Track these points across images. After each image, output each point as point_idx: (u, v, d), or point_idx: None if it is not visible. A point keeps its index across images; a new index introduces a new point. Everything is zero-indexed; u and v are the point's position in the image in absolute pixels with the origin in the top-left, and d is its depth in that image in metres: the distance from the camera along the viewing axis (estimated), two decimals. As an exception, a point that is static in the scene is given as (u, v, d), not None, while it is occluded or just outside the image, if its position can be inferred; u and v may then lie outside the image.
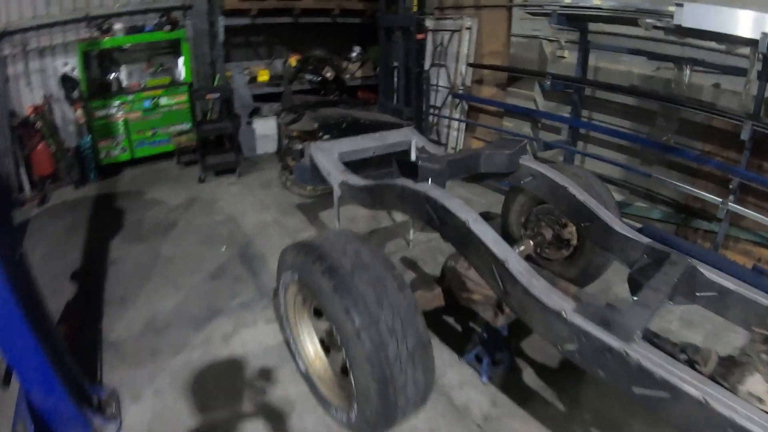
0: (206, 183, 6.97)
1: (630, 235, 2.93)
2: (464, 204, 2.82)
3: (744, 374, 2.02)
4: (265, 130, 7.96)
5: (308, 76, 7.80)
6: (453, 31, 7.54)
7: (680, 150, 5.50)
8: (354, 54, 8.63)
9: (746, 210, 4.79)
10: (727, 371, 2.08)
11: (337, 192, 3.95)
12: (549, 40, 6.85)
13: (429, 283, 3.55)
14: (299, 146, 6.20)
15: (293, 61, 7.80)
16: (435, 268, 4.73)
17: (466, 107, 7.84)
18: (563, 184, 3.44)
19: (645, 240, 2.86)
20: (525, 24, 7.01)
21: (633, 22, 5.07)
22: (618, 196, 5.89)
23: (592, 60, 6.27)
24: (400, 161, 3.34)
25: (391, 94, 7.38)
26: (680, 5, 4.30)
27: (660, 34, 5.08)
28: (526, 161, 3.69)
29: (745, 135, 4.55)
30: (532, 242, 3.98)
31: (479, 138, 7.92)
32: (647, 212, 5.99)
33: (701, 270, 2.52)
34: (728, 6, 4.29)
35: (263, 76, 8.21)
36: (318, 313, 3.04)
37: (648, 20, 4.83)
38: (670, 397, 1.82)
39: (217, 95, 7.22)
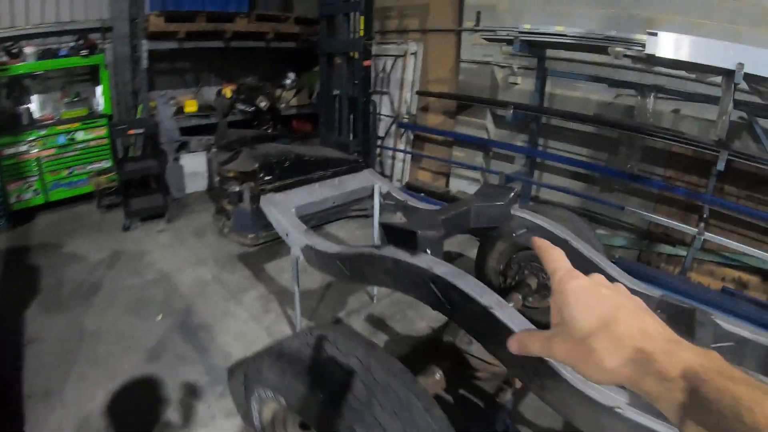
0: (132, 231, 6.15)
1: (640, 290, 2.70)
2: (481, 284, 2.30)
3: None
4: (194, 166, 7.21)
5: (240, 106, 7.13)
6: (396, 57, 7.10)
7: (646, 179, 5.47)
8: (288, 81, 7.97)
9: (722, 238, 4.89)
10: None
11: (296, 257, 3.35)
12: (501, 66, 6.53)
13: (420, 357, 2.99)
14: (236, 188, 5.60)
15: (228, 91, 7.10)
16: (406, 326, 4.31)
17: (412, 137, 7.41)
18: (564, 237, 3.08)
19: (657, 293, 2.68)
20: (475, 49, 6.68)
21: (598, 50, 4.86)
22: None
23: (548, 87, 6.02)
24: (388, 226, 2.76)
25: (333, 126, 6.82)
26: (653, 34, 4.14)
27: (622, 62, 4.90)
28: (518, 211, 3.29)
29: (721, 165, 4.50)
30: (519, 295, 3.52)
31: (426, 169, 7.51)
32: (608, 240, 5.89)
33: (718, 321, 2.44)
34: (698, 35, 4.26)
35: (191, 107, 7.41)
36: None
37: (618, 49, 4.59)
38: None
39: (140, 131, 6.40)
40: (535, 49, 5.44)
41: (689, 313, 2.56)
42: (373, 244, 2.83)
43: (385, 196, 4.25)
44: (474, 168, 6.92)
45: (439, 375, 2.80)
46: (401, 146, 7.30)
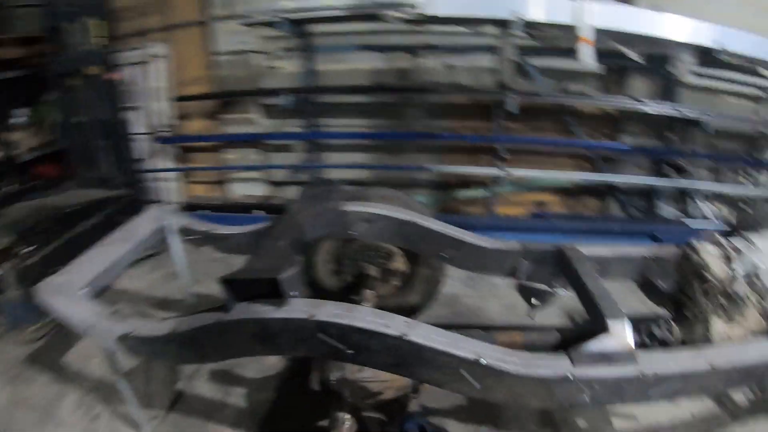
0: None
1: (504, 248, 2.84)
2: (377, 311, 2.07)
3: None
4: None
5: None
6: (140, 63, 6.18)
7: (437, 134, 5.70)
8: (19, 119, 6.55)
9: (524, 170, 5.44)
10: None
11: (111, 351, 2.60)
12: (259, 53, 6.00)
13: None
14: None
15: None
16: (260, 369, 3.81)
17: (175, 151, 6.60)
18: (409, 219, 2.91)
19: (516, 245, 2.82)
20: (229, 39, 6.09)
21: (369, 18, 4.83)
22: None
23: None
24: (233, 281, 2.16)
25: (88, 161, 5.82)
26: None
27: (389, 27, 4.88)
28: (349, 205, 2.95)
29: (513, 107, 4.94)
30: (368, 290, 3.24)
31: (199, 182, 6.82)
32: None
33: (582, 251, 2.63)
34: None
35: None
36: None
37: (393, 14, 4.53)
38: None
39: None
40: (298, 27, 5.19)
41: (557, 253, 2.67)
42: (213, 307, 2.23)
43: (184, 231, 3.66)
44: (252, 168, 6.46)
45: (348, 422, 2.46)
46: (166, 164, 6.47)
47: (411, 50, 5.57)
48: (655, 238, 4.87)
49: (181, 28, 6.17)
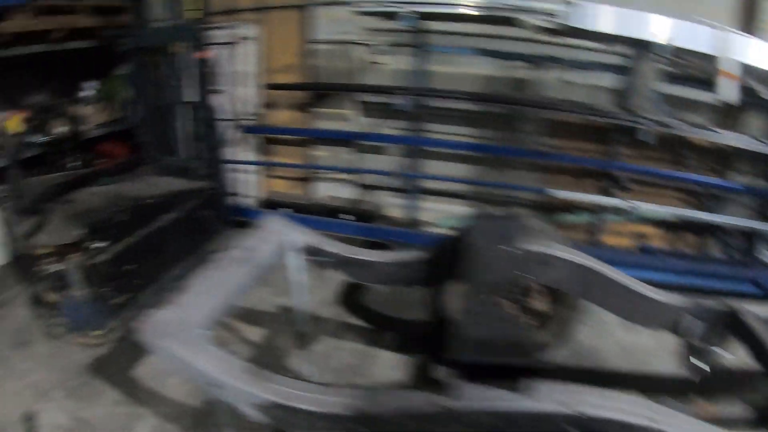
0: None
1: (672, 302, 2.58)
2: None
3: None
4: None
5: (30, 139, 5.21)
6: (228, 44, 5.61)
7: (552, 154, 5.24)
8: (88, 93, 6.04)
9: (643, 203, 5.02)
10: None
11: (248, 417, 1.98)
12: (362, 45, 5.42)
13: None
14: (57, 269, 4.00)
15: (14, 123, 5.02)
16: None
17: (258, 142, 6.06)
18: (589, 266, 2.58)
19: (686, 302, 2.56)
20: (329, 26, 5.50)
21: (500, 22, 4.58)
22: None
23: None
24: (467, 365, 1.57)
25: (164, 145, 5.26)
26: (571, 3, 4.04)
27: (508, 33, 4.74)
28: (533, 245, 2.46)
29: (647, 137, 4.62)
30: None
31: (280, 177, 6.26)
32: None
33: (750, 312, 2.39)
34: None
35: None
36: None
37: (531, 20, 4.33)
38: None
39: None
40: (417, 22, 4.70)
41: (729, 313, 2.45)
42: (429, 389, 1.62)
43: (308, 250, 3.08)
44: (344, 169, 5.87)
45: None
46: (248, 155, 5.94)
47: (529, 60, 5.05)
48: (757, 285, 4.61)
49: (278, 11, 5.58)
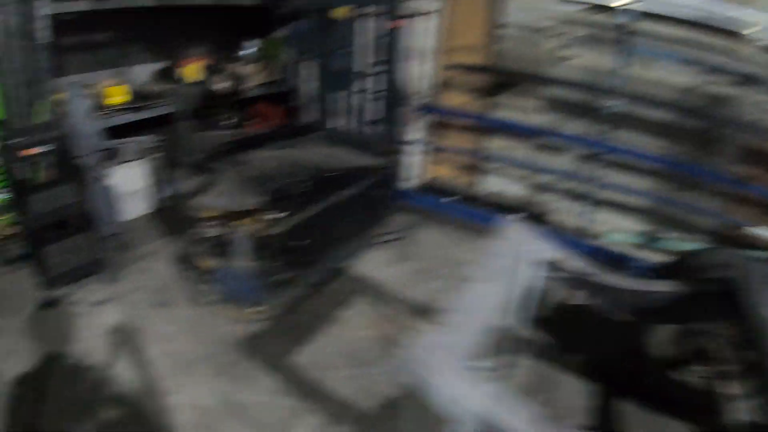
0: (53, 309, 3.95)
1: None
2: None
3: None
4: (129, 183, 4.96)
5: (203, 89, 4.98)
6: (411, 17, 5.14)
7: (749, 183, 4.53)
8: (248, 52, 5.74)
9: None
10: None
11: None
12: (554, 35, 4.86)
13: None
14: (221, 234, 3.72)
15: (192, 70, 4.76)
16: None
17: (429, 123, 5.59)
18: None
19: None
20: (520, 10, 4.94)
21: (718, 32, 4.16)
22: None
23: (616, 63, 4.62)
24: None
25: (332, 113, 4.92)
26: None
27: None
28: None
29: None
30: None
31: (445, 162, 5.80)
32: (679, 245, 4.79)
33: None
34: None
35: (118, 96, 4.96)
36: None
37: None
38: None
39: (44, 148, 3.94)
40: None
41: None
42: None
43: (553, 267, 2.80)
44: (519, 164, 5.31)
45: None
46: (416, 135, 5.50)
47: (739, 77, 4.42)
48: None
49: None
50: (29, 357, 3.40)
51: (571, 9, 4.64)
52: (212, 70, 5.08)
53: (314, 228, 3.95)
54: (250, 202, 3.54)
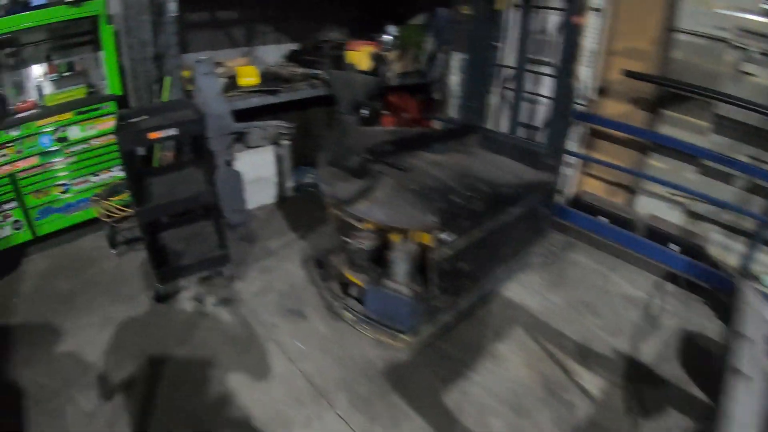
0: (169, 302, 3.63)
1: None
2: None
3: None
4: (257, 169, 4.63)
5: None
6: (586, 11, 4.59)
7: None
8: (387, 38, 5.26)
9: None
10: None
11: None
12: (737, 48, 4.23)
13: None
14: (378, 248, 3.35)
15: (362, 55, 4.28)
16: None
17: (583, 132, 5.03)
18: None
19: None
20: (700, 17, 4.29)
21: None
22: None
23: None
24: None
25: (482, 112, 4.45)
26: None
27: None
28: None
29: None
30: None
31: (596, 176, 5.25)
32: None
33: None
34: None
35: (249, 77, 4.55)
36: None
37: None
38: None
39: (171, 132, 3.32)
40: None
41: None
42: None
43: None
44: (678, 189, 4.66)
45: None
46: (570, 145, 4.90)
47: None
48: None
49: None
50: (137, 356, 3.07)
51: (756, 19, 4.02)
52: (379, 60, 4.62)
53: (480, 250, 3.45)
54: (419, 221, 3.03)
